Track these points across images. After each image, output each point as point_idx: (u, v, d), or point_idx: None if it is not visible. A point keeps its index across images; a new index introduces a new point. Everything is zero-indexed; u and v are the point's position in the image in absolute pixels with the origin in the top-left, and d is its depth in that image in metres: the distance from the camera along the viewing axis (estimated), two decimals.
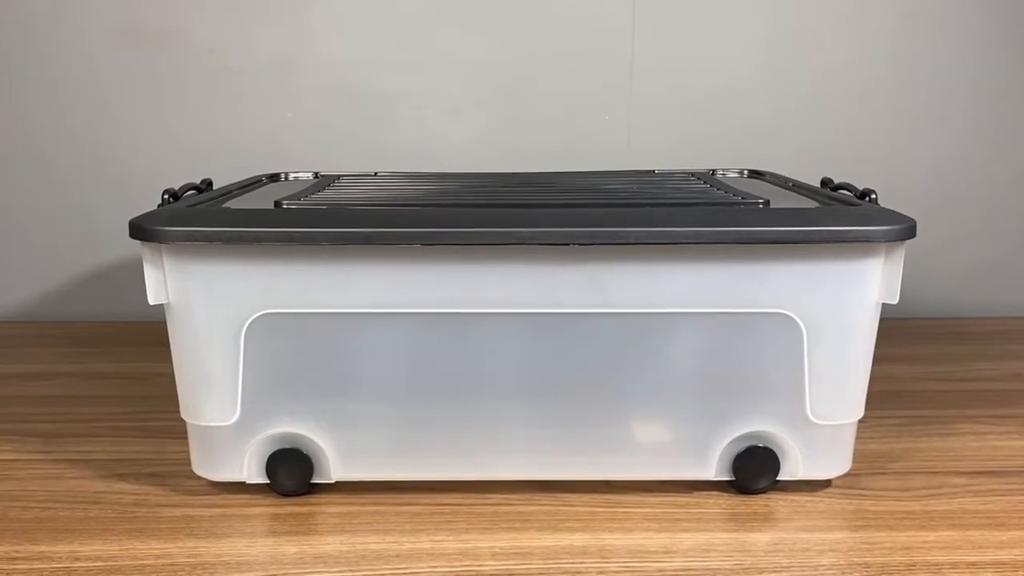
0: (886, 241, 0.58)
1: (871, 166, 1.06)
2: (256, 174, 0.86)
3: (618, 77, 1.05)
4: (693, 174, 0.81)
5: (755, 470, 0.63)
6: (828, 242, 0.57)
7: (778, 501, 0.63)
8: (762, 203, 0.62)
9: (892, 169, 1.07)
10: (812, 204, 0.67)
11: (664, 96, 1.06)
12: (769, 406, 0.61)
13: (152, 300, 0.59)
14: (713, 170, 0.86)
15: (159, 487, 0.65)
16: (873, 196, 0.66)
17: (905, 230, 0.58)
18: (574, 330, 0.60)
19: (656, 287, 0.59)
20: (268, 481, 0.63)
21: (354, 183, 0.77)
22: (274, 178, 0.84)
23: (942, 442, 0.73)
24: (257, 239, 0.57)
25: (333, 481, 0.63)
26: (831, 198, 0.67)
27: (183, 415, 0.62)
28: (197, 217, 0.58)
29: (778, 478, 0.63)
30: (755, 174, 0.85)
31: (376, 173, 0.85)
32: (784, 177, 0.82)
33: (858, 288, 0.59)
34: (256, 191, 0.75)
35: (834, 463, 0.63)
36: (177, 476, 0.66)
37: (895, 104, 1.07)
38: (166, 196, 0.66)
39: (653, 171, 0.85)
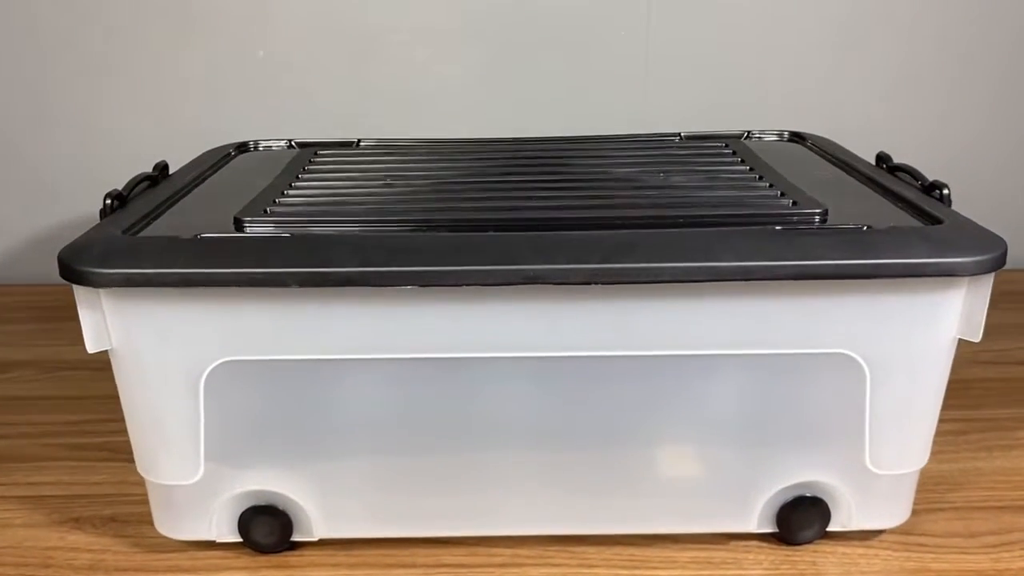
0: (972, 275, 0.48)
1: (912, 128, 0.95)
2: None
3: (634, 11, 0.92)
4: (725, 141, 0.70)
5: (802, 522, 0.54)
6: (902, 276, 0.48)
7: (827, 556, 0.55)
8: (819, 215, 0.52)
9: (934, 124, 0.96)
10: (872, 195, 0.58)
11: (686, 33, 0.93)
12: (822, 455, 0.53)
13: (91, 347, 0.50)
14: (748, 132, 0.75)
15: (118, 539, 0.57)
16: (945, 192, 0.56)
17: (995, 260, 0.48)
18: (595, 375, 0.51)
19: (693, 325, 0.49)
20: (241, 540, 0.55)
21: (331, 166, 0.66)
22: (243, 148, 0.73)
23: (1005, 460, 0.64)
24: (211, 282, 0.47)
25: (316, 539, 0.55)
26: (889, 192, 0.57)
27: (139, 470, 0.54)
28: (138, 252, 0.48)
29: (827, 529, 0.55)
30: (796, 137, 0.74)
31: (359, 142, 0.73)
32: (827, 142, 0.72)
33: (934, 324, 0.50)
34: (218, 180, 0.64)
35: (892, 514, 0.55)
36: (139, 522, 0.58)
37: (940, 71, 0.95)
38: (109, 201, 0.56)
39: (678, 135, 0.74)
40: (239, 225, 0.52)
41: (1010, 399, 0.72)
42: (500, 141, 0.72)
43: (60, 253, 0.49)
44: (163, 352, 0.50)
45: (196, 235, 0.50)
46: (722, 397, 0.52)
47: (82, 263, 0.47)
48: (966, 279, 0.49)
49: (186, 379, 0.50)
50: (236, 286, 0.47)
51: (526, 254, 0.47)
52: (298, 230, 0.52)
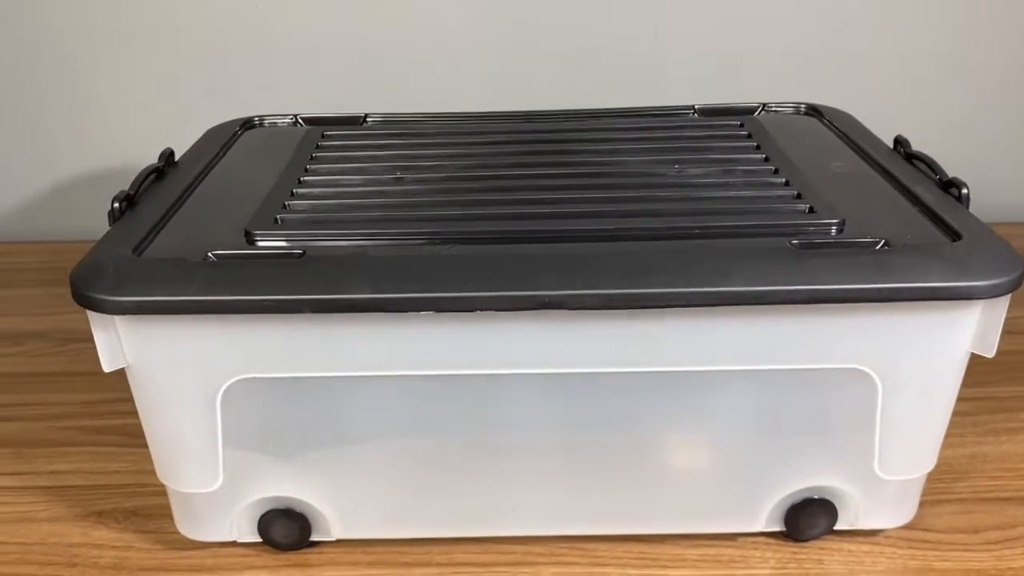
0: (988, 297, 0.48)
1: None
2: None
3: None
4: (741, 120, 0.69)
5: (809, 521, 0.55)
6: (918, 300, 0.47)
7: (832, 554, 0.56)
8: (836, 225, 0.51)
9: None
10: (889, 192, 0.57)
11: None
12: (832, 462, 0.54)
13: (107, 367, 0.50)
14: (764, 104, 0.73)
15: (141, 534, 0.58)
16: (964, 192, 0.55)
17: (1012, 282, 0.48)
18: (611, 389, 0.51)
19: (708, 343, 0.49)
20: (261, 539, 0.56)
21: (339, 152, 0.64)
22: (248, 125, 0.72)
23: (1012, 444, 0.65)
24: (224, 309, 0.47)
25: (334, 539, 0.56)
26: (907, 191, 0.56)
27: (160, 478, 0.55)
28: (150, 278, 0.48)
29: (834, 527, 0.56)
30: (812, 111, 0.72)
31: (365, 118, 0.72)
32: (843, 118, 0.70)
33: (948, 341, 0.50)
34: (225, 171, 0.63)
35: (898, 514, 0.56)
36: (160, 516, 0.59)
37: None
38: (118, 204, 0.56)
39: (692, 108, 0.72)
40: (250, 238, 0.52)
41: (1018, 376, 0.73)
42: (508, 117, 0.71)
43: (72, 275, 0.49)
44: (179, 371, 0.50)
45: (207, 253, 0.50)
46: (735, 408, 0.52)
47: (94, 290, 0.47)
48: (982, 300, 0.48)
49: (202, 396, 0.50)
50: (249, 313, 0.47)
51: (541, 280, 0.47)
52: (310, 244, 0.51)
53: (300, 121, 0.72)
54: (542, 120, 0.71)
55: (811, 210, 0.53)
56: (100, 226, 0.99)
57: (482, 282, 0.47)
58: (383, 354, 0.49)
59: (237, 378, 0.50)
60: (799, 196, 0.55)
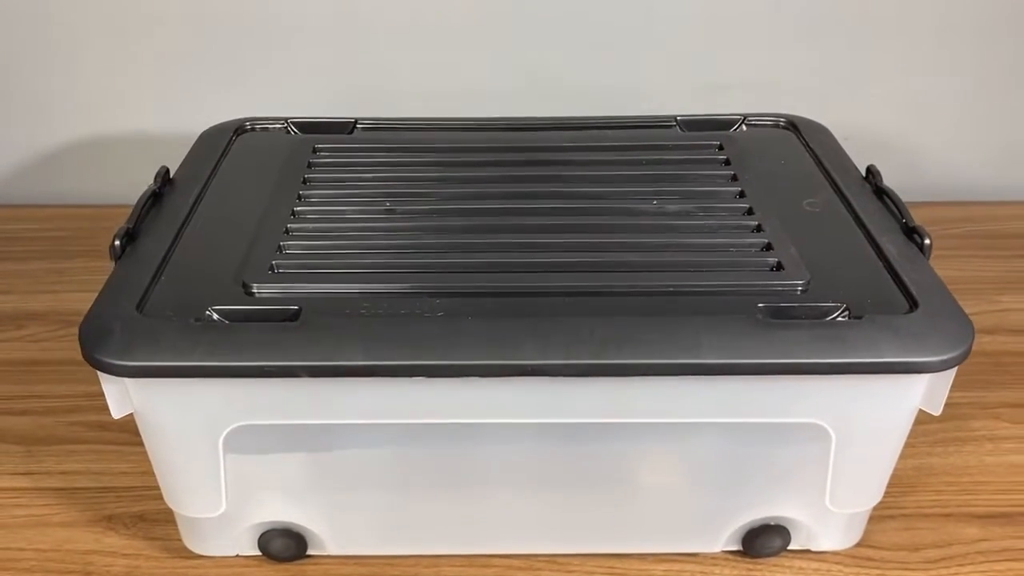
0: (937, 372, 0.52)
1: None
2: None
3: None
4: (720, 140, 0.71)
5: (765, 543, 0.60)
6: (871, 373, 0.51)
7: (785, 571, 0.61)
8: (802, 286, 0.55)
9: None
10: (856, 239, 0.60)
11: None
12: (787, 497, 0.58)
13: (116, 414, 0.53)
14: (745, 116, 0.75)
15: (149, 541, 0.63)
16: (927, 243, 0.59)
17: (960, 355, 0.51)
18: (586, 436, 0.56)
19: (678, 400, 0.53)
20: (261, 553, 0.61)
21: (331, 175, 0.67)
22: (240, 131, 0.73)
23: (958, 456, 0.70)
24: (226, 373, 0.50)
25: (328, 554, 0.61)
26: (873, 242, 0.59)
27: (167, 502, 0.59)
28: (155, 341, 0.51)
29: (787, 548, 0.61)
30: (790, 125, 0.74)
31: (355, 125, 0.74)
32: (819, 135, 0.73)
33: (898, 402, 0.54)
34: (220, 195, 0.65)
35: (846, 539, 0.61)
36: (166, 522, 0.63)
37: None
38: (119, 242, 0.58)
39: (674, 119, 0.74)
40: (247, 289, 0.54)
41: (971, 380, 0.76)
42: (492, 126, 0.73)
43: (81, 332, 0.52)
44: (183, 419, 0.53)
45: (208, 309, 0.53)
46: (701, 457, 0.57)
47: (103, 353, 0.50)
48: None
49: (205, 440, 0.54)
50: (249, 377, 0.50)
51: (524, 350, 0.50)
52: (305, 294, 0.54)
53: (291, 126, 0.74)
54: (527, 129, 0.73)
55: (779, 266, 0.57)
56: (97, 189, 1.00)
57: (469, 351, 0.50)
58: (374, 407, 0.53)
59: (238, 424, 0.54)
60: (769, 247, 0.58)
